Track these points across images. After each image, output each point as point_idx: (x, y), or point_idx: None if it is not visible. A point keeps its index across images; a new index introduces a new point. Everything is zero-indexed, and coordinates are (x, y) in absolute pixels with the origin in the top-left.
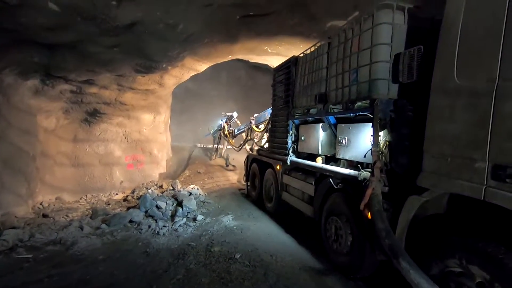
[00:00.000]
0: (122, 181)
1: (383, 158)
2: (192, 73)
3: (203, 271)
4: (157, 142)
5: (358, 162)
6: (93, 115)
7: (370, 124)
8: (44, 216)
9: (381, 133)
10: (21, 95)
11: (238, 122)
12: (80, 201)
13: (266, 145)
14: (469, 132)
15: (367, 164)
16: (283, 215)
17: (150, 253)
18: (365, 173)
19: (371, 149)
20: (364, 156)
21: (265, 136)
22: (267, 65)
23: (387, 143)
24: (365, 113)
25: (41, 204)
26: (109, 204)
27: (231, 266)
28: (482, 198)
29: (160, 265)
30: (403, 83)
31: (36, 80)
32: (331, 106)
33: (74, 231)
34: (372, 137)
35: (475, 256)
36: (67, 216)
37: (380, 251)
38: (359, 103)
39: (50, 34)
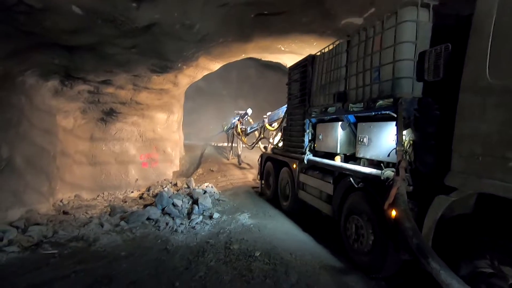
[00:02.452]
0: (137, 179)
1: (407, 157)
2: (206, 73)
3: (224, 268)
4: (171, 140)
5: (380, 161)
6: (109, 115)
7: (393, 123)
8: (65, 213)
9: (405, 132)
10: (42, 96)
11: (251, 120)
12: (97, 198)
13: (280, 144)
14: (501, 131)
15: (388, 163)
16: (299, 214)
17: (170, 250)
18: (388, 172)
19: (395, 148)
20: (388, 155)
21: (279, 134)
22: (277, 62)
23: (411, 142)
24: (387, 112)
25: (61, 201)
26: (125, 202)
27: (251, 264)
28: None
29: (180, 262)
30: (428, 81)
31: (56, 81)
32: (350, 104)
33: (95, 228)
34: (396, 136)
35: (508, 257)
36: (86, 213)
37: (406, 251)
38: (380, 102)
39: (71, 37)
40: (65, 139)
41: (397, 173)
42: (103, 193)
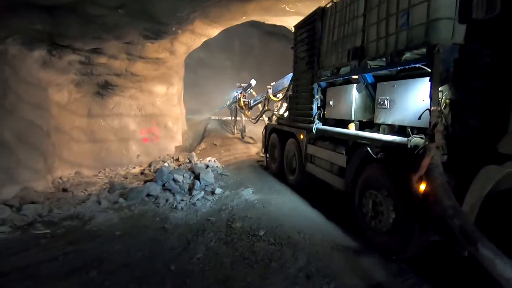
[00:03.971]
0: (138, 155)
1: (443, 120)
2: (204, 39)
3: (224, 249)
4: (171, 115)
5: (404, 127)
6: (105, 88)
7: (423, 79)
8: (64, 190)
9: (441, 89)
10: (28, 68)
11: (254, 93)
12: (98, 175)
13: (286, 114)
14: None
15: (413, 128)
16: (307, 188)
17: (168, 229)
18: (417, 139)
19: (428, 109)
20: (419, 118)
21: (284, 105)
22: (282, 30)
23: (447, 101)
24: (418, 65)
25: (60, 178)
26: (126, 178)
27: (255, 244)
28: None
29: (178, 242)
30: (477, 21)
31: (42, 50)
32: (368, 62)
33: (92, 206)
34: (430, 94)
35: None
36: (85, 190)
37: (437, 231)
38: (407, 54)
39: None
40: (60, 115)
41: (431, 139)
42: (105, 170)
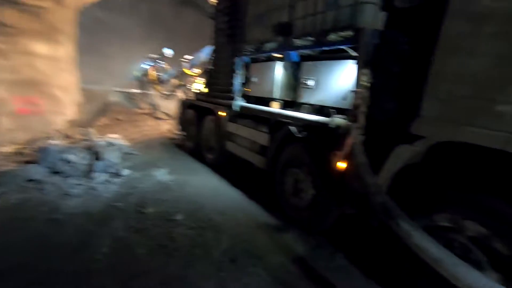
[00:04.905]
0: (11, 130)
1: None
2: None
3: (137, 239)
4: (60, 82)
5: (322, 107)
6: None
7: (347, 61)
8: None
9: (364, 72)
10: None
11: (166, 66)
12: None
13: (205, 90)
14: (495, 68)
15: (332, 109)
16: (226, 167)
17: (60, 219)
18: (338, 120)
19: (352, 90)
20: (344, 99)
21: (202, 81)
22: None
23: (367, 84)
24: (343, 47)
25: None
26: None
27: (173, 230)
28: (501, 147)
29: (75, 236)
30: (396, 10)
31: None
32: (295, 39)
33: None
34: (356, 76)
35: (472, 211)
36: None
37: (354, 206)
38: (333, 36)
39: None
40: None
41: (354, 120)
42: None
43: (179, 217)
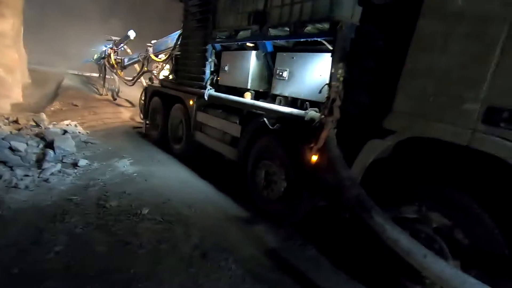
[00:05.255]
0: None
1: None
2: None
3: (97, 236)
4: (4, 59)
5: (295, 99)
6: None
7: (322, 54)
8: None
9: (340, 65)
10: None
11: (129, 50)
12: None
13: (172, 76)
14: (464, 67)
15: (304, 101)
16: (194, 158)
17: (6, 216)
18: (313, 113)
19: (327, 84)
20: (320, 92)
21: (167, 67)
22: None
23: (341, 78)
24: (319, 39)
25: None
26: None
27: (137, 225)
28: (466, 144)
29: (23, 234)
30: (372, 5)
31: None
32: (270, 29)
33: None
34: (331, 69)
35: (438, 203)
36: None
37: (326, 198)
38: (309, 27)
39: None
40: None
41: (329, 113)
42: None
43: (144, 211)
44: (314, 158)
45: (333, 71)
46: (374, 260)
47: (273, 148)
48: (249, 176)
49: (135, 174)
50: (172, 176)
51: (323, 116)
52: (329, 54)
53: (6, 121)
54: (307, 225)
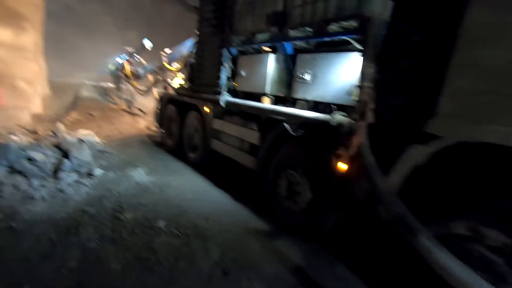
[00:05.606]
0: None
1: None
2: None
3: (111, 250)
4: (24, 72)
5: (317, 103)
6: None
7: (347, 54)
8: None
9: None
10: None
11: (143, 60)
12: None
13: (186, 84)
14: None
15: (325, 105)
16: (211, 167)
17: (18, 228)
18: (340, 117)
19: (358, 85)
20: (349, 95)
21: (182, 76)
22: None
23: (373, 79)
24: (347, 38)
25: None
26: None
27: (154, 239)
28: None
29: (36, 247)
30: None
31: None
32: (290, 30)
33: None
34: (363, 69)
35: (492, 218)
36: None
37: (355, 211)
38: (333, 26)
39: None
40: None
41: (361, 117)
42: None
43: (161, 223)
44: (344, 167)
45: (364, 71)
46: (411, 282)
47: (296, 156)
48: (270, 186)
49: (150, 184)
50: (187, 186)
51: (353, 121)
52: (355, 53)
53: (26, 131)
54: (334, 239)
